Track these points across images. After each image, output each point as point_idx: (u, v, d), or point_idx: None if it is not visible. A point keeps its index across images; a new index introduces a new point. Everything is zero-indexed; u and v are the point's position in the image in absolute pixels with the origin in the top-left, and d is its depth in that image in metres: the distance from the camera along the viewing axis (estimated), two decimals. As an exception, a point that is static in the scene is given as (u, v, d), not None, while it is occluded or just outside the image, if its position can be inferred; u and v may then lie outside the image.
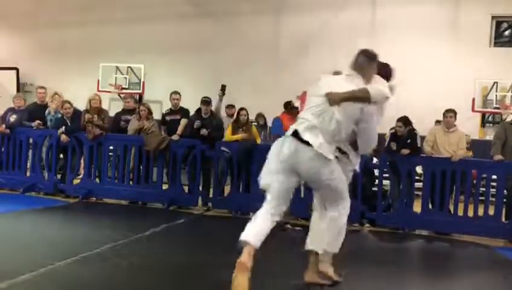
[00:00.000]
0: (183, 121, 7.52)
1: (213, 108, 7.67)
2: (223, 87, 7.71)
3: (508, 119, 7.03)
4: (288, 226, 6.15)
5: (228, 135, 7.33)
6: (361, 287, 3.96)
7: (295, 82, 14.65)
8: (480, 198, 6.87)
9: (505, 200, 6.59)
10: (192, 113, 7.69)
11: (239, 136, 7.13)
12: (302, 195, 6.17)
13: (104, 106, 8.90)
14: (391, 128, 7.17)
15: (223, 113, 8.24)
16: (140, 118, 7.52)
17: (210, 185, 7.48)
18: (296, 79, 14.93)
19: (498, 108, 13.12)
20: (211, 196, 7.39)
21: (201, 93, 8.02)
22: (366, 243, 6.19)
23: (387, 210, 6.94)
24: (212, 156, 7.25)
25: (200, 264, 4.21)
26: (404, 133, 6.87)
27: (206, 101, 7.48)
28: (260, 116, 8.59)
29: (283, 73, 14.49)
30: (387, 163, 6.91)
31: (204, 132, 7.23)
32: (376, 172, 7.38)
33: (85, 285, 3.50)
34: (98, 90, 11.96)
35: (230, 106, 8.55)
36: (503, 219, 6.53)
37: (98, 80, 12.81)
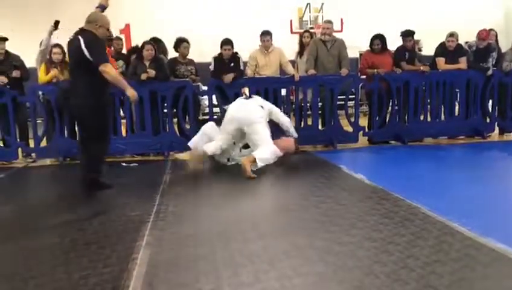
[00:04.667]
0: None
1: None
2: (57, 23, 6.75)
3: (319, 36, 7.52)
4: (123, 164, 6.16)
5: (42, 77, 6.60)
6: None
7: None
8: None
9: (320, 112, 7.29)
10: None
11: (51, 74, 6.49)
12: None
13: None
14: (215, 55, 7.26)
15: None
16: None
17: (28, 134, 6.76)
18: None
19: (312, 28, 14.22)
20: (32, 146, 6.73)
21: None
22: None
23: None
24: (25, 102, 6.51)
25: (22, 215, 3.91)
26: (229, 55, 6.97)
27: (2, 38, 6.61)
28: None
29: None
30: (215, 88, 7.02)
31: (17, 73, 6.41)
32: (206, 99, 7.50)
33: None
34: None
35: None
36: (320, 127, 7.29)
37: None
